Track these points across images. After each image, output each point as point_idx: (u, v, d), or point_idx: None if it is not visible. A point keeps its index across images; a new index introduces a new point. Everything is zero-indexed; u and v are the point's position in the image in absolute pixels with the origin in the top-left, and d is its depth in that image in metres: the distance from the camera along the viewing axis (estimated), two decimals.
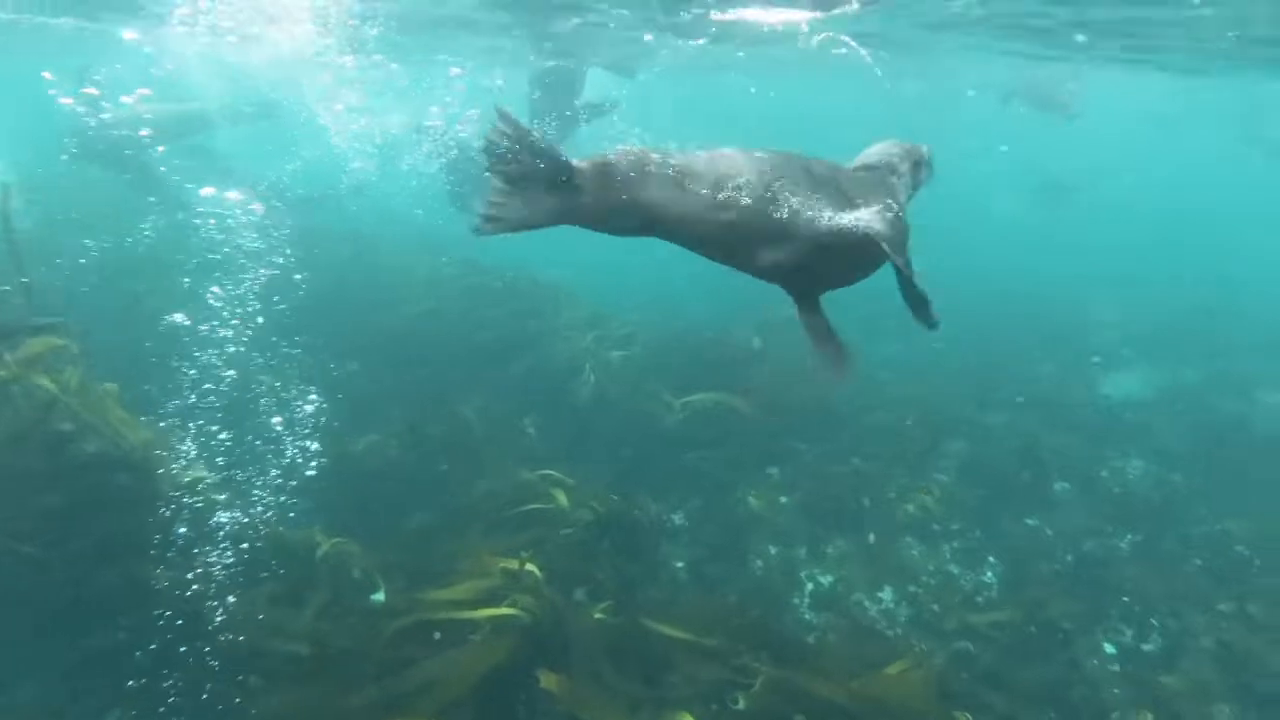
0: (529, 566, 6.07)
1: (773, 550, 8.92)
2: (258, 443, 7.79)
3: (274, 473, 7.51)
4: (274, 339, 9.55)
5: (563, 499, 7.59)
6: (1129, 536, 8.95)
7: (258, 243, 10.30)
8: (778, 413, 10.27)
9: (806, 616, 7.94)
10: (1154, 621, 7.61)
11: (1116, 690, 6.86)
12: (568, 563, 6.64)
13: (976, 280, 17.98)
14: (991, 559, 8.79)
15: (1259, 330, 15.13)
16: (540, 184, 2.97)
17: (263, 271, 9.78)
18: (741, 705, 5.47)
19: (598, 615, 6.04)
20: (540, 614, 5.69)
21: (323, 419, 8.74)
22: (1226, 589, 7.86)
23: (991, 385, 12.92)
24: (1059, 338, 15.05)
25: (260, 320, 9.06)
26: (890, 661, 6.38)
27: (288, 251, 10.33)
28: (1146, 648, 7.39)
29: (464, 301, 12.25)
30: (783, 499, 9.48)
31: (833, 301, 3.15)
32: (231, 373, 8.40)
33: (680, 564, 8.54)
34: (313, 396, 9.14)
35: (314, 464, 8.28)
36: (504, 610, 5.68)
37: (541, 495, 7.65)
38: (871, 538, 8.98)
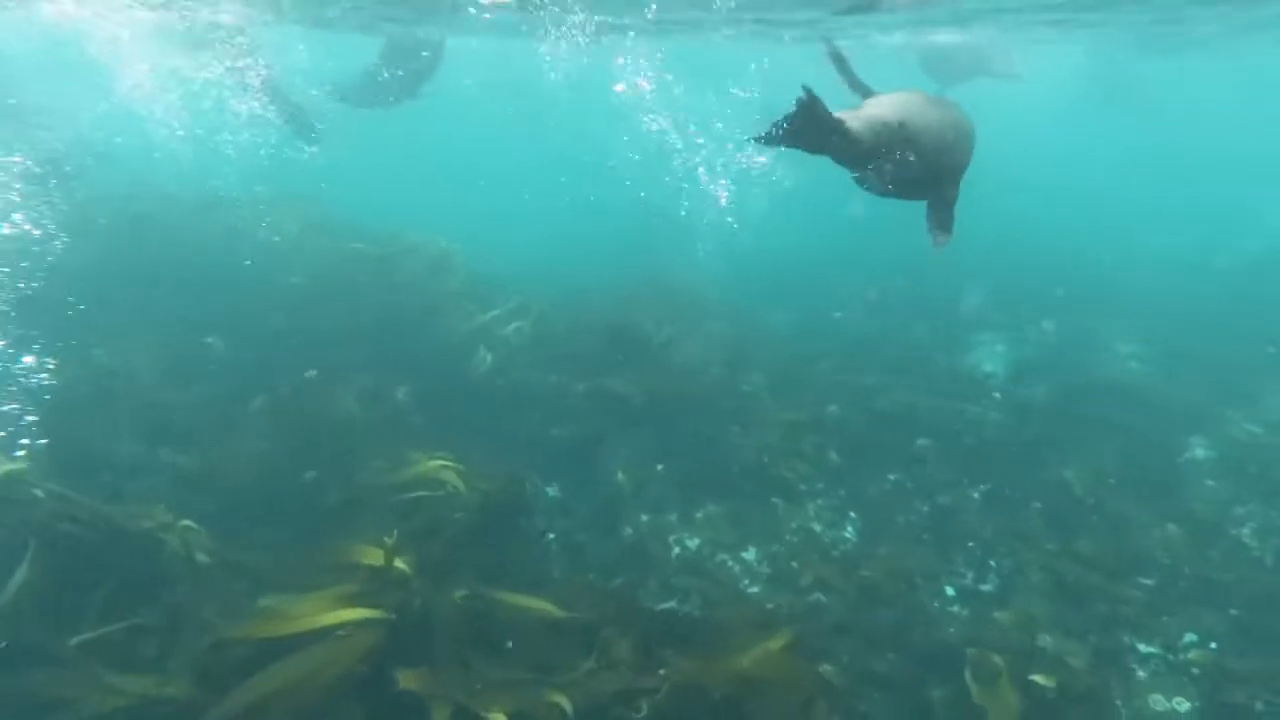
0: (397, 562, 6.10)
1: (644, 518, 9.13)
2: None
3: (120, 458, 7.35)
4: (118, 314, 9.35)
5: (451, 482, 7.63)
6: (981, 486, 9.40)
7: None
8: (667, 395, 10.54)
9: (672, 581, 8.16)
10: (992, 563, 8.05)
11: (952, 629, 7.25)
12: (445, 550, 6.69)
13: (881, 254, 18.60)
14: (853, 514, 9.16)
15: (1120, 286, 15.95)
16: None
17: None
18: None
19: (462, 598, 6.07)
20: (406, 608, 5.71)
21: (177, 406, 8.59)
22: (1060, 529, 8.36)
23: (873, 350, 13.39)
24: (940, 303, 15.60)
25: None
26: (745, 622, 6.74)
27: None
28: (984, 588, 7.82)
29: (340, 274, 12.06)
30: (659, 467, 9.71)
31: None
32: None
33: (554, 535, 8.68)
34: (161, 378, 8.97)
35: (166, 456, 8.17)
36: (358, 613, 5.63)
37: (428, 481, 7.69)
38: (741, 502, 9.27)
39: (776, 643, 6.22)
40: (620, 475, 9.46)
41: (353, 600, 5.75)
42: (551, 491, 9.38)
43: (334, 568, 6.16)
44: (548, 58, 14.09)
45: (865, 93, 4.76)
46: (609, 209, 23.12)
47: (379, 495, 7.58)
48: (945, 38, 16.32)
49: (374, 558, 6.11)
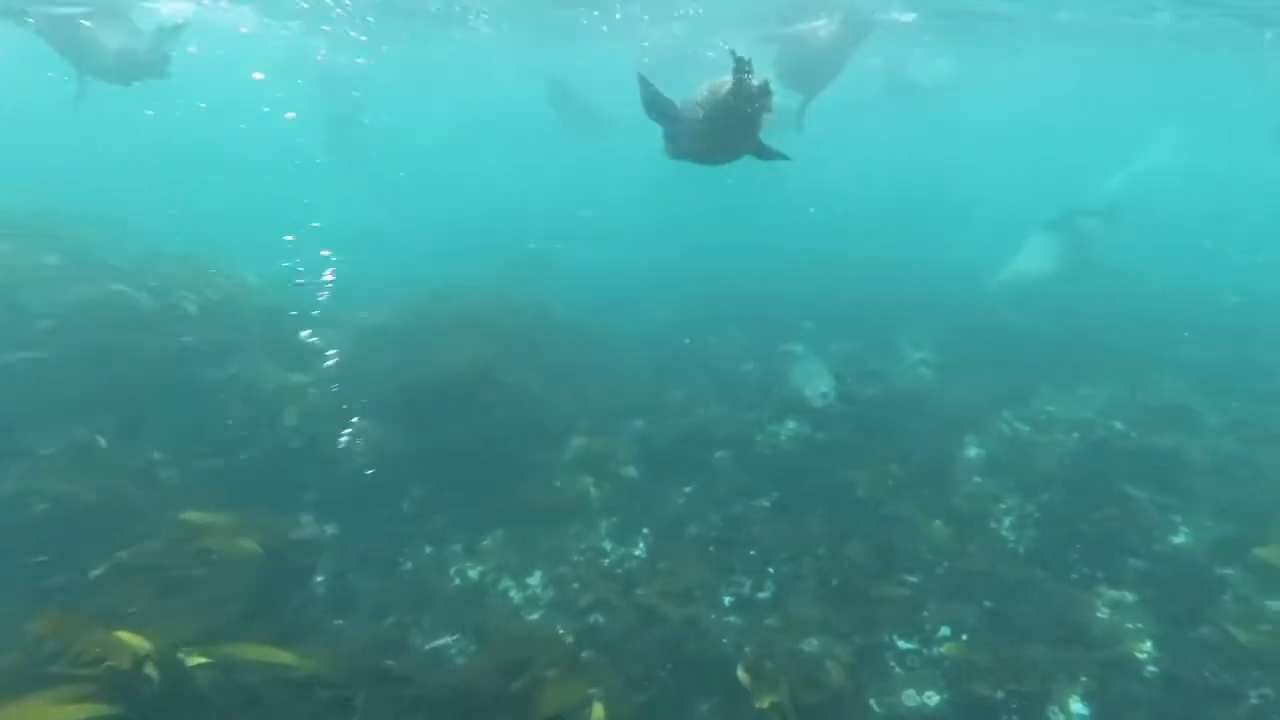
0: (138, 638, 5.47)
1: (428, 550, 8.71)
2: None
3: None
4: None
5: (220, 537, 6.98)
6: (772, 495, 9.51)
7: None
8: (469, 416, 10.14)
9: (448, 615, 7.77)
10: (770, 570, 8.11)
11: (725, 640, 7.22)
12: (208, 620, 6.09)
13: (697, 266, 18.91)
14: (645, 530, 9.06)
15: (920, 289, 16.82)
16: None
17: None
18: None
19: (203, 668, 5.52)
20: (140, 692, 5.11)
21: None
22: (838, 533, 8.52)
23: (681, 362, 13.49)
24: (754, 317, 15.94)
25: None
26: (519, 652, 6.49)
27: None
28: (761, 595, 7.85)
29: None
30: (449, 495, 9.31)
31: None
32: None
33: (324, 579, 8.12)
34: None
35: None
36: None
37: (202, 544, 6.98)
38: (531, 526, 8.99)
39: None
40: (405, 506, 9.02)
41: (81, 695, 5.10)
42: (331, 530, 8.83)
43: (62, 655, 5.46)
44: None
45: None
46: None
47: (138, 566, 6.84)
48: None
49: (106, 641, 5.46)
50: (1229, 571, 8.20)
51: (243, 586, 6.82)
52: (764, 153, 6.09)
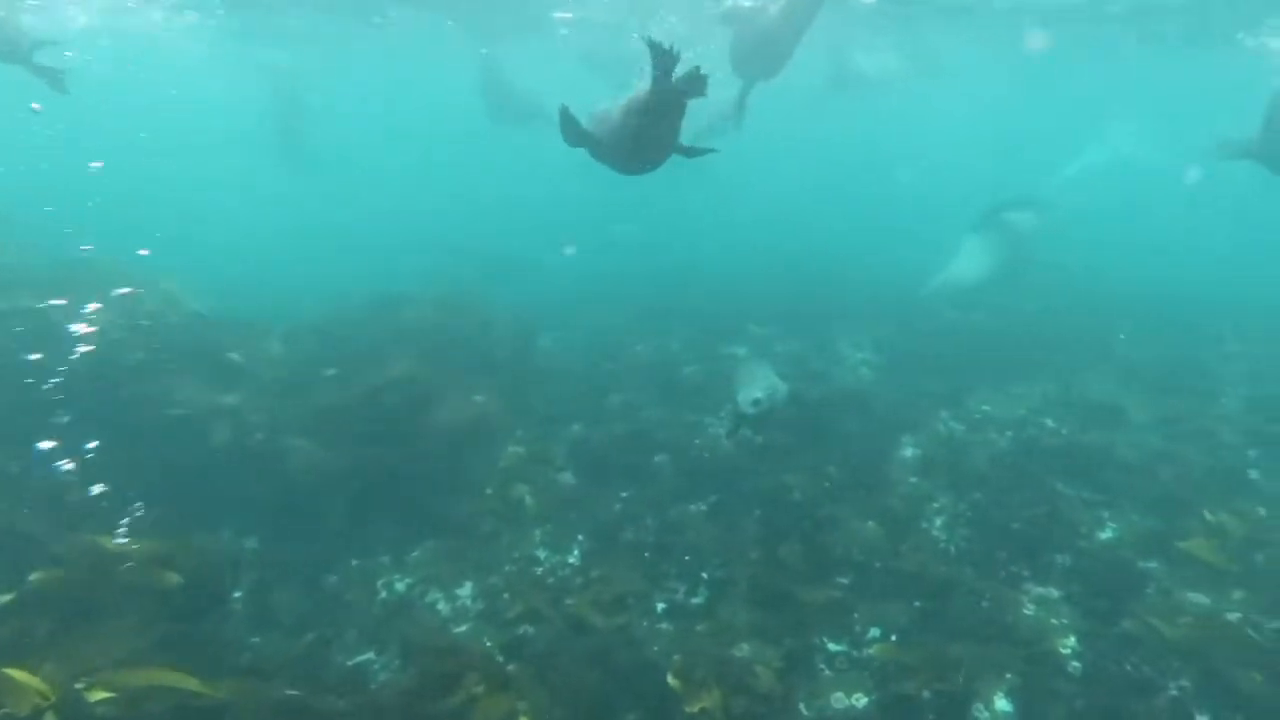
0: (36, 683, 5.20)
1: (355, 563, 8.51)
2: None
3: None
4: None
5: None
6: (709, 499, 9.47)
7: None
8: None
9: (373, 630, 7.59)
10: (704, 575, 8.05)
11: (656, 647, 7.14)
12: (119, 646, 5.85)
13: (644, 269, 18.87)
14: (580, 537, 8.95)
15: (862, 290, 16.98)
16: None
17: None
18: None
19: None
20: None
21: None
22: (773, 536, 8.50)
23: (624, 365, 13.42)
24: (701, 317, 15.93)
25: None
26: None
27: None
28: (694, 601, 7.79)
29: None
30: (378, 508, 9.09)
31: None
32: None
33: (241, 594, 7.89)
34: None
35: None
36: None
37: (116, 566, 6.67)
38: (464, 535, 8.84)
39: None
40: (333, 520, 8.80)
41: None
42: (252, 545, 8.59)
43: None
44: None
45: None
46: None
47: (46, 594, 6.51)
48: None
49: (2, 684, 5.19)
50: (1152, 565, 8.35)
51: (158, 609, 6.57)
52: (690, 152, 5.79)
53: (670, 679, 6.47)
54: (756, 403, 7.89)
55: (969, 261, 16.11)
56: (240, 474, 8.95)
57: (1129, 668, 6.93)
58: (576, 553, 8.71)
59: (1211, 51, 21.33)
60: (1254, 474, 10.25)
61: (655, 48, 4.78)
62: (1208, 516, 8.87)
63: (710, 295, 16.96)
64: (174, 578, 6.73)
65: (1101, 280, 18.64)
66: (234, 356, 10.21)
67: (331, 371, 10.42)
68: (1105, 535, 8.91)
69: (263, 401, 9.68)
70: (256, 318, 11.56)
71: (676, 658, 6.79)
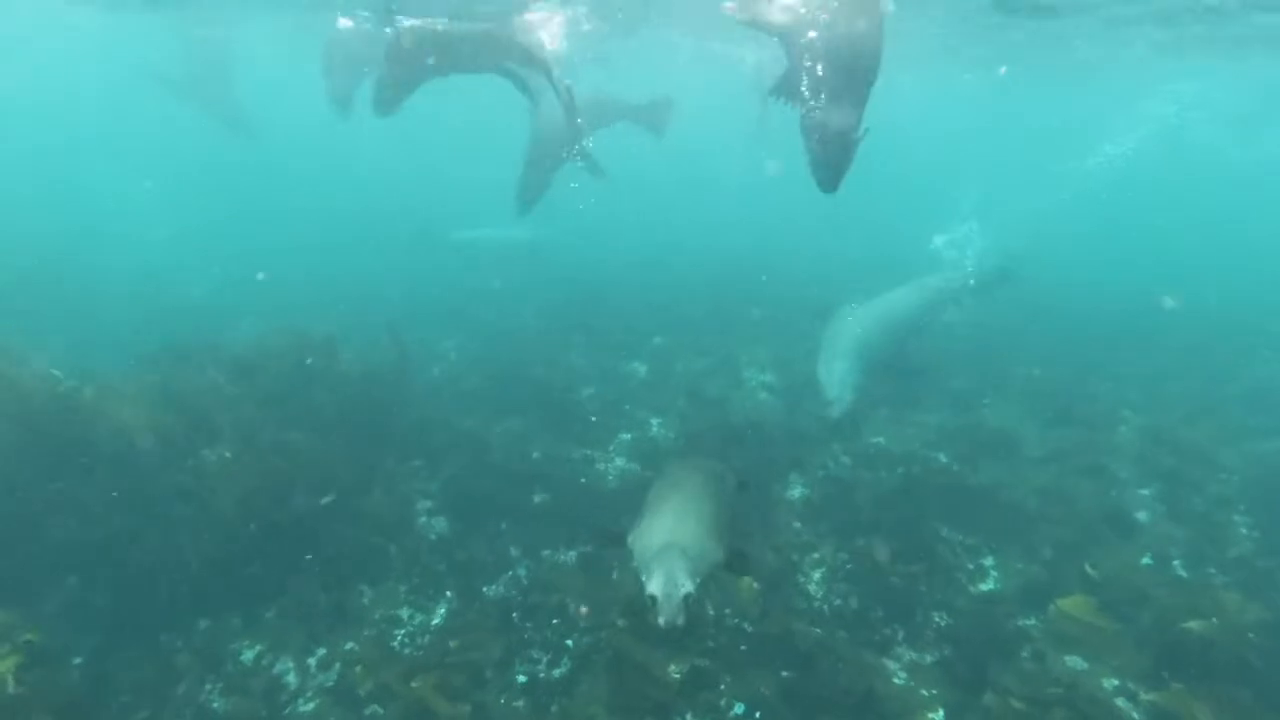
0: None
1: (203, 624, 7.92)
2: None
3: None
4: None
5: None
6: (582, 548, 9.09)
7: None
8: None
9: (212, 705, 7.05)
10: (569, 643, 7.70)
11: None
12: None
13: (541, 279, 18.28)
14: (449, 593, 8.51)
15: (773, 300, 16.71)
16: None
17: None
18: None
19: None
20: None
21: None
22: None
23: (511, 394, 12.91)
24: (604, 329, 15.51)
25: None
26: None
27: None
28: (556, 673, 7.43)
29: None
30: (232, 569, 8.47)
31: None
32: None
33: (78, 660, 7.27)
34: None
35: None
36: None
37: None
38: (322, 592, 8.30)
39: None
40: (172, 579, 8.15)
41: None
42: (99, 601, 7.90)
43: None
44: None
45: None
46: None
47: None
48: None
49: None
50: (1030, 623, 8.29)
51: None
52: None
53: None
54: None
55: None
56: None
57: None
58: (442, 611, 8.26)
59: None
60: (1144, 515, 10.31)
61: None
62: (1089, 571, 8.85)
63: (619, 305, 16.53)
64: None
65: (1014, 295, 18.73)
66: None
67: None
68: (986, 587, 8.83)
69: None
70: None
71: None
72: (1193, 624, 7.80)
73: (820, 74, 5.91)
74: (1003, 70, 20.89)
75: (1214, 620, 7.78)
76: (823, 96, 5.86)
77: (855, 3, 5.88)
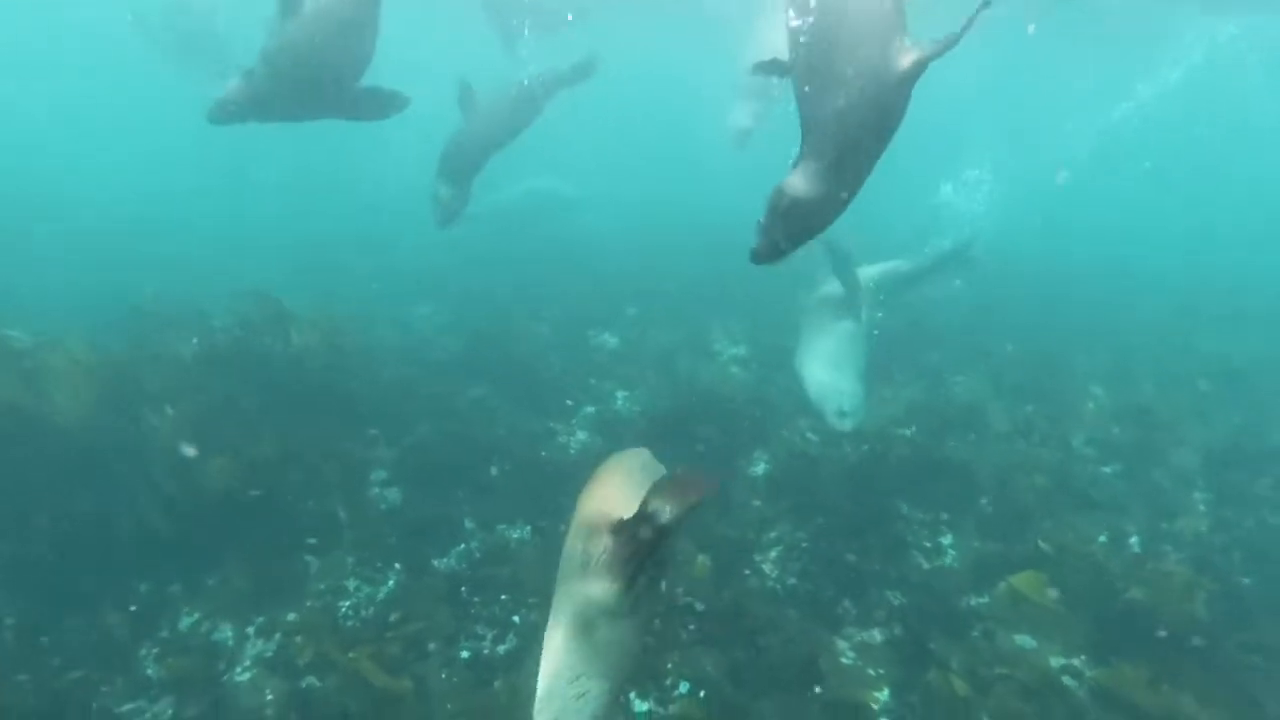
0: None
1: (143, 588, 7.77)
2: None
3: None
4: None
5: None
6: (539, 523, 8.97)
7: None
8: None
9: (147, 674, 6.94)
10: (516, 620, 7.59)
11: (450, 705, 6.68)
12: None
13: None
14: (397, 565, 8.36)
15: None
16: None
17: None
18: None
19: None
20: None
21: None
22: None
23: (480, 360, 12.74)
24: (580, 295, 15.29)
25: None
26: None
27: None
28: (501, 649, 7.33)
29: None
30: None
31: None
32: None
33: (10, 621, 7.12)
34: None
35: None
36: None
37: None
38: (269, 558, 8.13)
39: None
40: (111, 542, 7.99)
41: None
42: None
43: None
44: None
45: None
46: None
47: None
48: None
49: None
50: (984, 601, 8.25)
51: None
52: None
53: None
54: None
55: None
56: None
57: None
58: (391, 582, 8.13)
59: None
60: (1104, 490, 10.25)
61: None
62: (1042, 545, 8.80)
63: (596, 269, 16.29)
64: None
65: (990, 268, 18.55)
66: None
67: None
68: (942, 564, 8.78)
69: None
70: None
71: None
72: (1136, 593, 7.77)
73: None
74: (1031, 29, 20.05)
75: (1157, 590, 7.75)
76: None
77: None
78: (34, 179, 22.17)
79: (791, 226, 4.24)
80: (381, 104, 7.22)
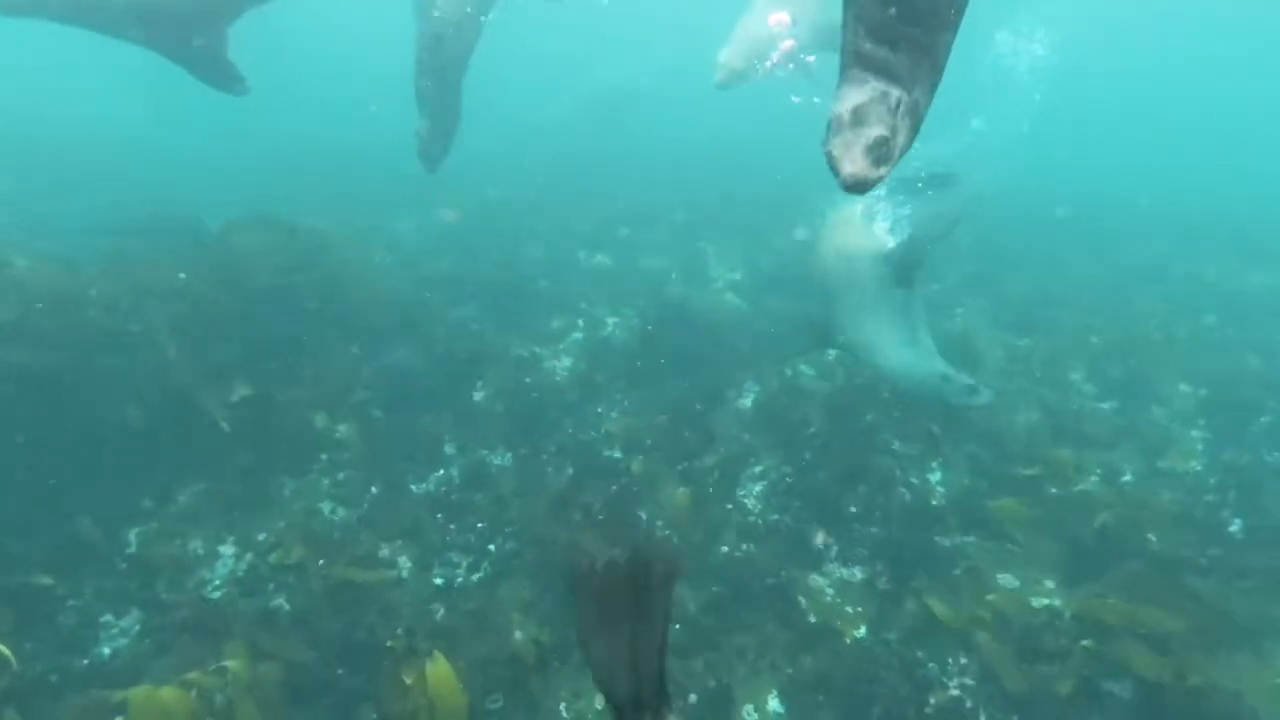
0: None
1: (114, 501, 7.61)
2: None
3: None
4: None
5: None
6: (520, 450, 8.78)
7: None
8: None
9: (120, 586, 6.85)
10: (492, 548, 7.47)
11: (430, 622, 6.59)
12: None
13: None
14: (374, 489, 8.17)
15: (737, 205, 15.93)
16: None
17: None
18: None
19: None
20: None
21: None
22: (580, 502, 7.89)
23: (468, 279, 12.39)
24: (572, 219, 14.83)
25: None
26: None
27: None
28: (475, 577, 7.23)
29: None
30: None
31: None
32: None
33: None
34: None
35: None
36: None
37: None
38: (239, 480, 7.97)
39: None
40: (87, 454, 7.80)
41: None
42: None
43: None
44: None
45: None
46: None
47: None
48: None
49: None
50: (969, 540, 8.10)
51: None
52: None
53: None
54: None
55: None
56: None
57: (913, 663, 6.71)
58: (365, 506, 7.98)
59: None
60: (1100, 426, 10.04)
61: None
62: (1029, 474, 8.65)
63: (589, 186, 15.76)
64: None
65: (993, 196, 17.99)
66: None
67: None
68: (930, 500, 8.60)
69: None
70: None
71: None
72: (1105, 515, 7.66)
73: None
74: None
75: (1143, 521, 7.67)
76: None
77: None
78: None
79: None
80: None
